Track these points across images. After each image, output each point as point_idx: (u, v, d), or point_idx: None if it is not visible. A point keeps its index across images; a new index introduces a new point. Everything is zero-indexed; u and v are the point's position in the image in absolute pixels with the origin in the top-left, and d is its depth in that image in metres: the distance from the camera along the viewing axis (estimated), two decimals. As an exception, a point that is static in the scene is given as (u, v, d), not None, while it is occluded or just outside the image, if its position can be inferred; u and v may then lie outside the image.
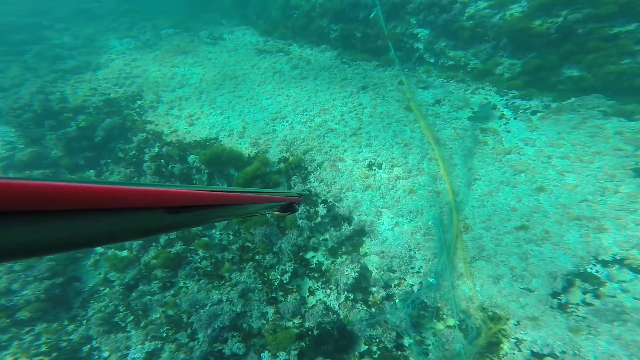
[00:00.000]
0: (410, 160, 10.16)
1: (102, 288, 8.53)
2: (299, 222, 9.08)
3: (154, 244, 9.34)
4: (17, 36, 16.16)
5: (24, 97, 11.15)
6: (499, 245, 7.81)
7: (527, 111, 11.37)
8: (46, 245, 0.47)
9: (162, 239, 9.44)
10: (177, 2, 20.08)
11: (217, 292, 8.08)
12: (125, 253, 9.08)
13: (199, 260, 9.14)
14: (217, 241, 9.61)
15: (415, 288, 7.62)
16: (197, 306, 7.99)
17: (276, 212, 1.66)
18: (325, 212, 9.28)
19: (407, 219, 8.88)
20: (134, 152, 10.52)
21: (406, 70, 13.92)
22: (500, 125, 11.16)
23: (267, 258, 8.85)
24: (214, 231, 9.84)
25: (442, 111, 11.71)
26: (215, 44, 14.97)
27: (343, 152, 10.49)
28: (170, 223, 0.70)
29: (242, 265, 8.90)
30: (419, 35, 14.81)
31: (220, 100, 11.89)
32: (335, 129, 11.09)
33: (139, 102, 11.88)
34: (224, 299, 7.87)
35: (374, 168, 10.10)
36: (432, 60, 14.93)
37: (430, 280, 7.46)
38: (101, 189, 0.51)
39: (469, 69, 14.10)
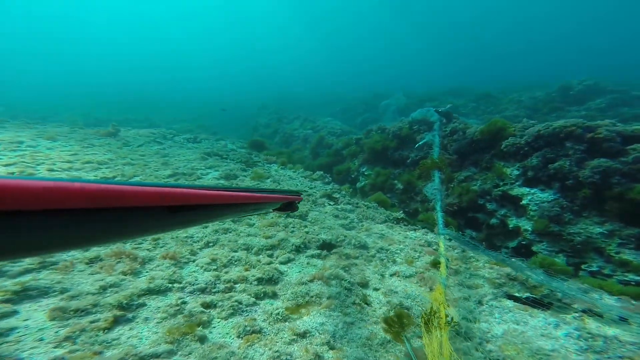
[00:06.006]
0: None
1: None
2: None
3: None
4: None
5: None
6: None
7: None
8: (48, 244, 0.46)
9: None
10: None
11: None
12: None
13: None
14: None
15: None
16: None
17: (276, 210, 1.68)
18: None
19: None
20: None
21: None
22: None
23: None
24: None
25: None
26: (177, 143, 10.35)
27: None
28: (171, 222, 0.70)
29: None
30: (523, 202, 6.61)
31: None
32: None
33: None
34: None
35: None
36: (561, 261, 5.79)
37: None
38: (103, 188, 0.49)
39: None
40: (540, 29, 71.40)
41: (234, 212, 1.09)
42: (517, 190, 6.84)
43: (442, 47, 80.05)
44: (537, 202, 6.43)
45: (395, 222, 5.57)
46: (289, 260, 3.63)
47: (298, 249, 3.90)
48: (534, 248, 6.27)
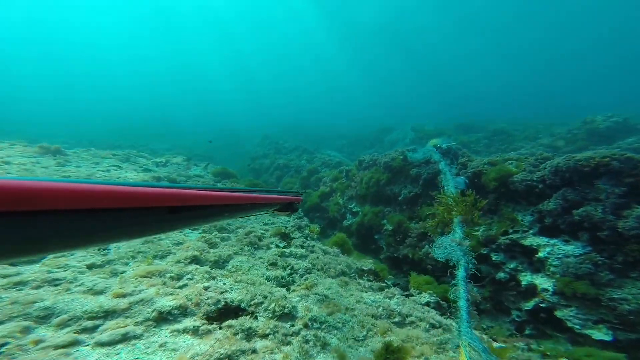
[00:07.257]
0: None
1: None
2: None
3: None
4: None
5: None
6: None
7: None
8: (50, 244, 0.45)
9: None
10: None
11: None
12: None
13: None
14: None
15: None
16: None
17: (276, 211, 1.68)
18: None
19: None
20: None
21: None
22: None
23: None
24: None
25: None
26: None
27: None
28: (171, 222, 0.69)
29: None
30: (539, 254, 4.94)
31: None
32: None
33: None
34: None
35: None
36: (595, 336, 4.02)
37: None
38: (103, 189, 0.49)
39: None
40: (561, 57, 69.87)
41: (233, 212, 1.06)
42: (531, 240, 5.20)
43: (453, 78, 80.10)
44: (560, 255, 4.77)
45: (356, 275, 4.04)
46: (124, 339, 2.18)
47: (164, 318, 2.48)
48: (558, 314, 4.53)
